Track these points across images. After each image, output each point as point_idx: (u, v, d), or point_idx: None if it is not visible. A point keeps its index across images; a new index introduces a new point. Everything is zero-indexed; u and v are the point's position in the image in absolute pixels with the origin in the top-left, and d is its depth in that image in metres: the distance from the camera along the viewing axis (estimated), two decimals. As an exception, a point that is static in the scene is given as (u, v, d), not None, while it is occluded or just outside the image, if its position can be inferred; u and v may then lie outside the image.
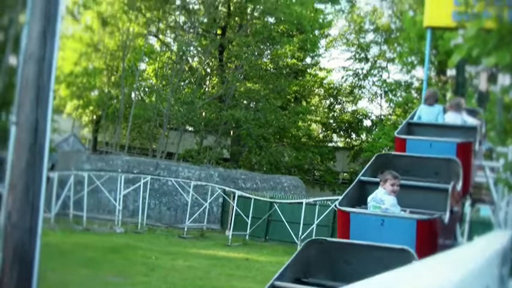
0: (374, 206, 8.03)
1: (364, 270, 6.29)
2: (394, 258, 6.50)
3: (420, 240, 7.06)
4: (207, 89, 46.80)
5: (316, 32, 49.65)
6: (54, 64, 6.75)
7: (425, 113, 11.54)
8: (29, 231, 6.60)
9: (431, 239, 7.40)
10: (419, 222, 7.13)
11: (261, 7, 44.10)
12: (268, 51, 46.99)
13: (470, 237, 14.36)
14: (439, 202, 8.01)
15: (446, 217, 7.72)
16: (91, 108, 46.56)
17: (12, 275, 6.57)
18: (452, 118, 11.31)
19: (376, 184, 8.04)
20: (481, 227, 16.77)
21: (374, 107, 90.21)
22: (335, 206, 7.82)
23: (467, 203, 12.62)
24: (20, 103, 6.66)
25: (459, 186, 8.59)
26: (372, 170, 8.68)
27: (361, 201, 8.26)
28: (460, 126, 11.09)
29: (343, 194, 8.05)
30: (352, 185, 8.35)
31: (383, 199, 7.91)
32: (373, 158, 8.91)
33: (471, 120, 11.30)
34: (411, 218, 7.31)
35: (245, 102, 45.04)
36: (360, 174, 8.56)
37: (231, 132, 44.70)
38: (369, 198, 8.14)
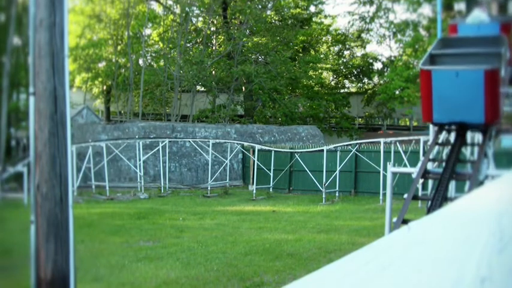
0: (473, 20, 11.92)
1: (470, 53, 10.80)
2: (490, 44, 10.80)
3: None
4: (214, 48, 46.48)
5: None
6: (66, 29, 6.58)
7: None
8: (60, 203, 6.50)
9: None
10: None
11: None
12: (272, 3, 46.41)
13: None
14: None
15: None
16: (100, 79, 46.51)
17: (48, 248, 6.49)
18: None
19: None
20: (505, 158, 16.45)
21: (383, 49, 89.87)
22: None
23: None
24: (36, 72, 6.50)
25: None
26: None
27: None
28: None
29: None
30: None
31: (479, 15, 11.90)
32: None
33: None
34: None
35: (254, 56, 44.73)
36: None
37: (243, 88, 44.51)
38: (469, 18, 12.13)
